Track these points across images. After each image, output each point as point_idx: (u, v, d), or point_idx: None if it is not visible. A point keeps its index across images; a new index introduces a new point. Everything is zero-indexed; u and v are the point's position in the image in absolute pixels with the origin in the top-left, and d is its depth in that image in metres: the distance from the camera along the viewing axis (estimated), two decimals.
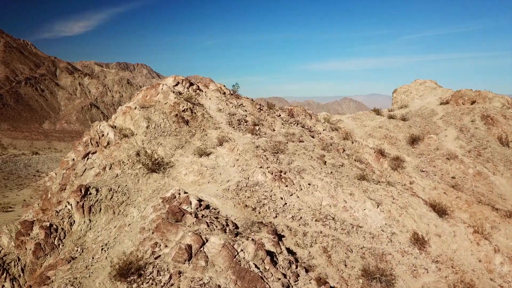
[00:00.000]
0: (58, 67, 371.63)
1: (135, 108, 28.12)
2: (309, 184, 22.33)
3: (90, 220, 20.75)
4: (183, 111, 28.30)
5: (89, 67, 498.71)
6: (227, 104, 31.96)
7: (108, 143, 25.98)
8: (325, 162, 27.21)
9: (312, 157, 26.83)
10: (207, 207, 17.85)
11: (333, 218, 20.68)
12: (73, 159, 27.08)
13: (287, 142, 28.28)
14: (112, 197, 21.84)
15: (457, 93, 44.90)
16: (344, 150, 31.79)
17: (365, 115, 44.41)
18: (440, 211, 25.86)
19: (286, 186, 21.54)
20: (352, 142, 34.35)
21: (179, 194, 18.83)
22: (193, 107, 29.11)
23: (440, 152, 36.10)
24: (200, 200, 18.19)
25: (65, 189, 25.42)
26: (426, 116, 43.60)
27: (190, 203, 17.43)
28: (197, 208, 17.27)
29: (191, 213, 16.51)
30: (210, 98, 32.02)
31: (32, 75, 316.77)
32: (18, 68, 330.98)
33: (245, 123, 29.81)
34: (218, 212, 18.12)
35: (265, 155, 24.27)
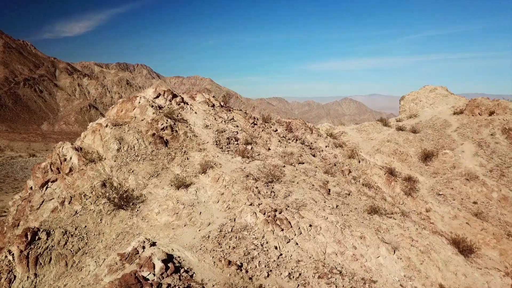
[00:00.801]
0: (57, 68, 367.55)
1: (106, 125, 23.64)
2: (310, 225, 17.92)
3: (35, 274, 16.30)
4: (162, 129, 23.90)
5: (89, 68, 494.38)
6: (215, 119, 27.55)
7: (70, 170, 21.55)
8: (329, 190, 22.80)
9: (313, 185, 22.39)
10: (177, 269, 13.44)
11: (340, 272, 16.28)
12: (31, 188, 22.71)
13: (284, 166, 23.86)
14: (66, 243, 17.42)
15: (473, 102, 40.43)
16: (350, 172, 27.41)
17: (371, 126, 40.01)
18: (466, 249, 21.57)
19: (282, 230, 17.13)
20: (359, 161, 29.94)
21: (143, 248, 14.46)
22: (175, 124, 24.68)
23: (458, 171, 31.70)
24: (169, 258, 13.82)
25: (18, 225, 21.07)
26: (439, 127, 39.21)
27: (154, 266, 13.10)
28: (162, 274, 12.90)
29: (152, 284, 12.21)
30: (196, 112, 27.62)
31: (31, 75, 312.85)
32: (18, 69, 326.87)
33: (236, 142, 25.41)
34: (192, 276, 13.70)
35: (256, 187, 19.82)
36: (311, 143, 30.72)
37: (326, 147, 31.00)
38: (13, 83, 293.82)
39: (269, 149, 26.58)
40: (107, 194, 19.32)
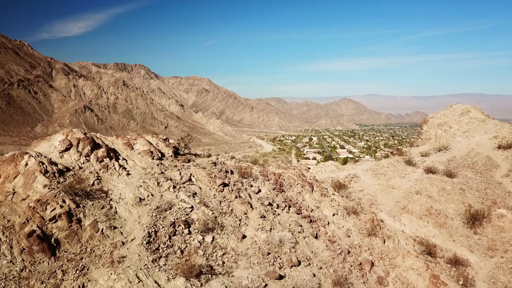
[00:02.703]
0: (54, 68, 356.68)
1: None
2: None
3: None
4: (52, 219, 13.42)
5: (87, 68, 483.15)
6: (159, 183, 16.90)
7: None
8: None
9: None
10: None
11: None
12: None
13: (266, 286, 13.37)
14: None
15: None
16: (372, 265, 16.96)
17: (391, 166, 29.42)
18: None
19: None
20: (384, 241, 19.40)
21: None
22: (78, 206, 14.16)
23: None
24: None
25: None
26: (482, 169, 28.70)
27: None
28: None
29: None
30: (129, 173, 17.02)
31: (26, 76, 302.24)
32: (13, 70, 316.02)
33: (186, 231, 14.89)
34: None
35: None
36: (312, 210, 20.08)
37: (334, 215, 20.35)
38: (7, 84, 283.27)
39: (244, 236, 15.96)
40: None
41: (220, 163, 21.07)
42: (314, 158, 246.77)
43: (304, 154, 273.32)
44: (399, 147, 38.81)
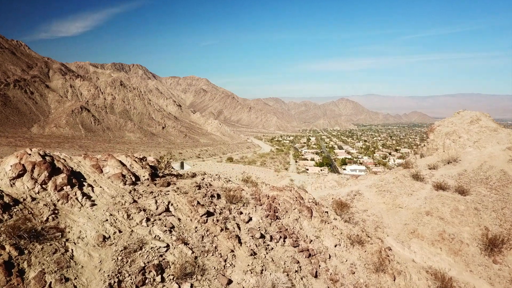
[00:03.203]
0: (51, 68, 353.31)
1: None
2: None
3: None
4: None
5: (84, 68, 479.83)
6: (129, 215, 14.10)
7: None
8: None
9: None
10: None
11: None
12: None
13: None
14: None
15: None
16: None
17: (397, 182, 26.64)
18: None
19: None
20: (394, 278, 16.70)
21: None
22: (24, 251, 11.42)
23: None
24: None
25: None
26: (497, 184, 26.00)
27: None
28: None
29: None
30: (94, 203, 14.28)
31: (22, 77, 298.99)
32: (10, 70, 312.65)
33: (157, 281, 12.12)
34: None
35: None
36: (311, 241, 17.31)
37: (336, 246, 17.58)
38: (3, 84, 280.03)
39: (230, 281, 13.22)
40: None
41: (206, 185, 18.29)
42: (312, 159, 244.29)
43: (302, 155, 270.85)
44: (405, 158, 35.99)
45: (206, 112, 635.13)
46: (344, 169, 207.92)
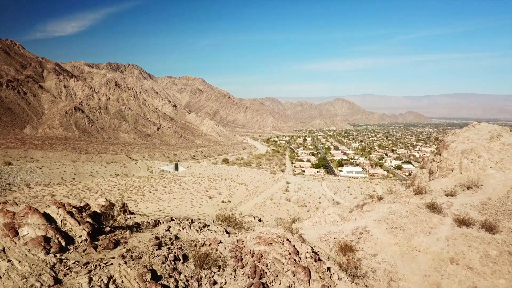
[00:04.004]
0: (45, 68, 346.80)
1: None
2: None
3: None
4: None
5: (79, 68, 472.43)
6: None
7: None
8: None
9: None
10: None
11: None
12: None
13: None
14: None
15: None
16: None
17: (411, 215, 22.01)
18: None
19: None
20: None
21: None
22: None
23: None
24: None
25: None
26: None
27: None
28: None
29: None
30: None
31: (16, 77, 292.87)
32: (3, 70, 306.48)
33: None
34: None
35: None
36: None
37: None
38: None
39: None
40: None
41: (170, 239, 13.65)
42: (309, 160, 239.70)
43: (298, 156, 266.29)
44: (412, 175, 31.58)
45: (202, 112, 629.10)
46: (341, 170, 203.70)
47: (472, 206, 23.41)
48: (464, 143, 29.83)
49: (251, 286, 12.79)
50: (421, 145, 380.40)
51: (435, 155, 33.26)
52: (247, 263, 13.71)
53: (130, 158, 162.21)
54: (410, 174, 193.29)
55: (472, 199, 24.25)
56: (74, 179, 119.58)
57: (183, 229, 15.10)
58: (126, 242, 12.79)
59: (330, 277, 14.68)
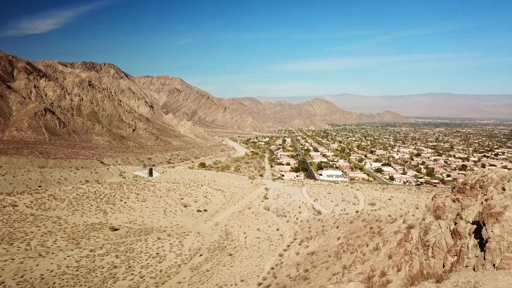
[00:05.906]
0: (15, 67, 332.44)
1: None
2: None
3: None
4: None
5: (53, 67, 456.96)
6: None
7: None
8: None
9: None
10: None
11: None
12: None
13: None
14: None
15: None
16: None
17: None
18: None
19: None
20: None
21: None
22: None
23: None
24: None
25: None
26: None
27: None
28: None
29: None
30: None
31: None
32: None
33: None
34: None
35: None
36: None
37: None
38: None
39: None
40: None
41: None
42: (288, 163, 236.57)
43: (278, 159, 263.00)
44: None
45: (180, 112, 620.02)
46: (321, 174, 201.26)
47: None
48: (496, 175, 18.92)
49: None
50: (399, 146, 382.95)
51: (453, 201, 21.35)
52: None
53: (102, 163, 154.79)
54: (391, 178, 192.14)
55: None
56: (40, 186, 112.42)
57: None
58: None
59: None
